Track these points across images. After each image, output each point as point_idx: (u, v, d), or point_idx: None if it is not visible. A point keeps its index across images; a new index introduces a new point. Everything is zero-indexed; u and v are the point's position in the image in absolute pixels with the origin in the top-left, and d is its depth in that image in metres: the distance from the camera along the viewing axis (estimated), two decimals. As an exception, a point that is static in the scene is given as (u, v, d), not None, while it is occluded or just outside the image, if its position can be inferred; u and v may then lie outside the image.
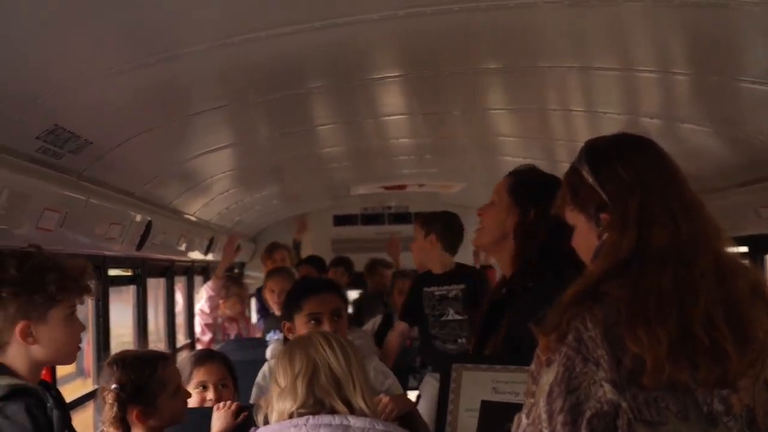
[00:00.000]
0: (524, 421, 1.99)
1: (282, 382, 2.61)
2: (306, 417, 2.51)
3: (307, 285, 3.88)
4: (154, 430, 3.22)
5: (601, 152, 2.15)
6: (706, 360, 1.89)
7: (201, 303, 6.95)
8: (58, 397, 2.79)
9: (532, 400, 1.98)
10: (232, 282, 7.20)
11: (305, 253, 9.20)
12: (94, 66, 2.86)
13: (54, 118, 3.10)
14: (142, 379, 3.21)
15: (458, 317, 5.19)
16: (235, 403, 3.50)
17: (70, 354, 2.85)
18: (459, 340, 5.14)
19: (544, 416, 1.92)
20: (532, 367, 2.01)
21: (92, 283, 2.88)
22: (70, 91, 2.95)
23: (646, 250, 1.98)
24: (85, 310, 5.06)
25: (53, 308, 2.71)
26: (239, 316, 7.16)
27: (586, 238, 2.14)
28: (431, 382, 5.08)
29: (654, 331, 1.88)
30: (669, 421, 1.89)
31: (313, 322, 3.59)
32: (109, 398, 3.17)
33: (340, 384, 2.57)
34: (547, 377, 1.95)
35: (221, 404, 3.51)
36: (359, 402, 2.56)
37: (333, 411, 2.53)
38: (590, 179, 2.10)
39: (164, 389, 3.25)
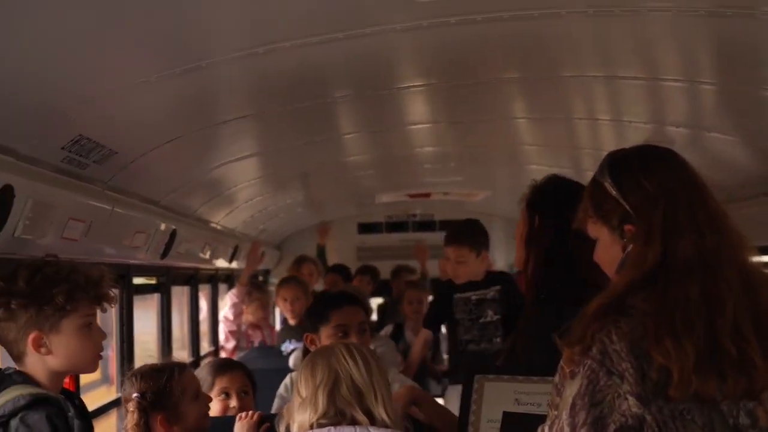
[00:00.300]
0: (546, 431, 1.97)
1: (303, 392, 2.60)
2: (327, 428, 2.50)
3: (335, 297, 3.87)
4: None
5: (624, 164, 2.14)
6: (734, 371, 1.88)
7: (225, 310, 6.97)
8: (81, 407, 2.81)
9: (555, 413, 1.98)
10: (254, 288, 7.22)
11: (330, 260, 9.21)
12: (120, 77, 2.88)
13: (79, 129, 3.12)
14: (160, 385, 3.24)
15: (495, 318, 5.17)
16: (257, 413, 3.50)
17: (89, 363, 2.86)
18: (494, 340, 5.12)
19: (567, 429, 1.91)
20: (556, 379, 2.01)
21: (114, 291, 2.88)
22: (96, 101, 2.97)
23: (672, 262, 1.97)
24: (110, 318, 5.09)
25: (65, 318, 2.74)
26: (262, 322, 7.17)
27: (609, 251, 2.13)
28: (455, 394, 5.06)
29: (681, 342, 1.87)
30: None
31: (341, 334, 3.58)
32: (131, 406, 3.20)
33: (362, 395, 2.56)
34: (571, 390, 1.93)
35: (243, 414, 3.51)
36: (381, 413, 2.55)
37: (354, 422, 2.52)
38: (613, 191, 2.09)
39: (185, 394, 3.28)
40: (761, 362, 1.89)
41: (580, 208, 2.21)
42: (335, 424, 2.52)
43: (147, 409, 3.19)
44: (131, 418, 3.19)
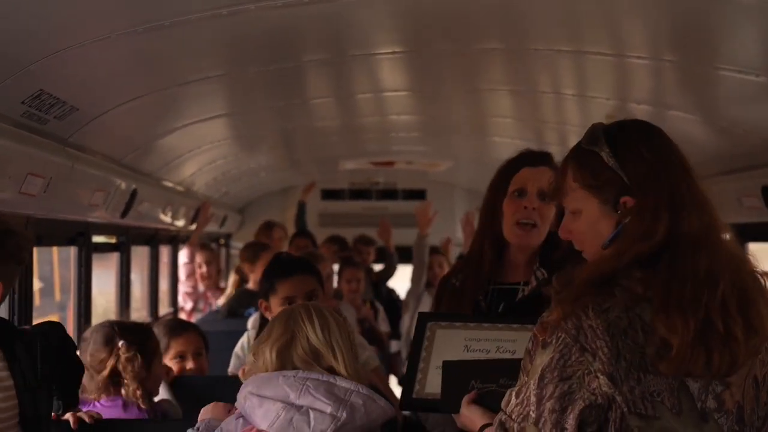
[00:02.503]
0: (513, 399, 1.99)
1: (255, 351, 2.66)
2: (296, 371, 2.56)
3: (282, 267, 3.77)
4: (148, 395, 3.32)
5: (620, 134, 2.07)
6: (719, 347, 1.90)
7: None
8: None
9: (524, 379, 1.98)
10: (202, 248, 7.20)
11: (294, 226, 9.20)
12: (83, 32, 2.84)
13: (40, 84, 3.08)
14: (142, 342, 3.30)
15: None
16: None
17: None
18: None
19: (533, 399, 1.93)
20: (529, 345, 2.00)
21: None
22: (57, 56, 2.93)
23: (678, 237, 1.96)
24: (69, 276, 5.07)
25: None
26: (212, 285, 7.12)
27: (595, 225, 2.07)
28: None
29: (686, 317, 1.88)
30: (663, 416, 1.90)
31: (287, 305, 3.53)
32: (123, 351, 3.22)
33: (319, 355, 2.61)
34: (541, 359, 1.94)
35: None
36: (341, 370, 2.60)
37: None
38: (611, 162, 2.02)
39: (155, 354, 3.37)
40: (743, 337, 1.92)
41: (556, 178, 2.16)
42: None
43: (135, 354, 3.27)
44: (128, 365, 3.22)
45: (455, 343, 2.69)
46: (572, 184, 2.10)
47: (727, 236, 2.04)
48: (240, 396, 2.58)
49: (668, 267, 1.94)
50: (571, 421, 1.89)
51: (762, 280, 2.02)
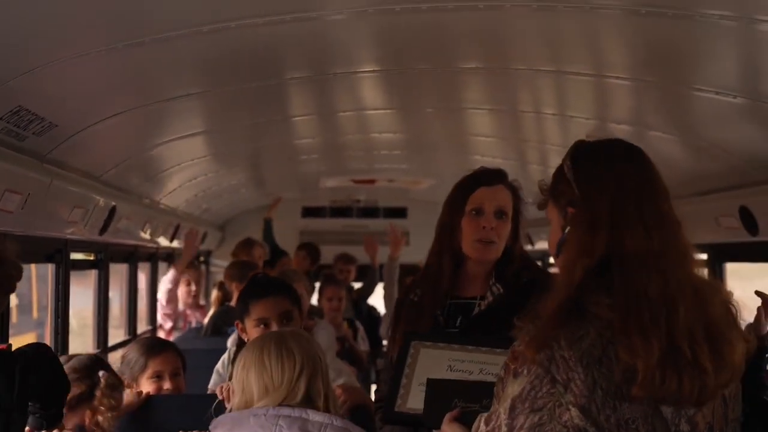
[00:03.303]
0: (483, 427, 1.99)
1: (238, 377, 2.62)
2: (266, 408, 2.51)
3: (255, 288, 3.68)
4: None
5: (585, 151, 2.14)
6: (689, 373, 1.89)
7: (160, 293, 6.91)
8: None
9: (495, 406, 1.98)
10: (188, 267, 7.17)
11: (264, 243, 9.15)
12: (62, 49, 2.83)
13: (18, 100, 3.07)
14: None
15: None
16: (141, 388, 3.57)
17: None
18: None
19: (504, 429, 1.92)
20: (501, 373, 2.00)
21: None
22: (36, 73, 2.92)
23: (622, 255, 1.96)
24: (46, 293, 5.02)
25: None
26: (193, 304, 7.08)
27: (555, 233, 2.14)
28: None
29: (648, 338, 1.88)
30: None
31: (262, 326, 3.48)
32: (103, 381, 3.30)
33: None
34: (512, 388, 1.94)
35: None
36: (324, 392, 2.60)
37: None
38: (569, 174, 2.10)
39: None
40: (711, 368, 1.90)
41: (541, 189, 2.23)
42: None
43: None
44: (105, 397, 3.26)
45: (439, 363, 2.71)
46: (546, 195, 2.19)
47: (692, 264, 2.03)
48: (212, 429, 2.54)
49: (621, 288, 1.94)
50: None
51: (734, 311, 2.02)
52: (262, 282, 3.71)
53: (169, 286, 6.79)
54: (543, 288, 2.98)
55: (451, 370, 2.70)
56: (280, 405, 2.52)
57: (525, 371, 1.92)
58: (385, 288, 7.26)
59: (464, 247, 3.04)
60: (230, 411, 2.67)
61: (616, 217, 2.00)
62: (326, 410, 2.57)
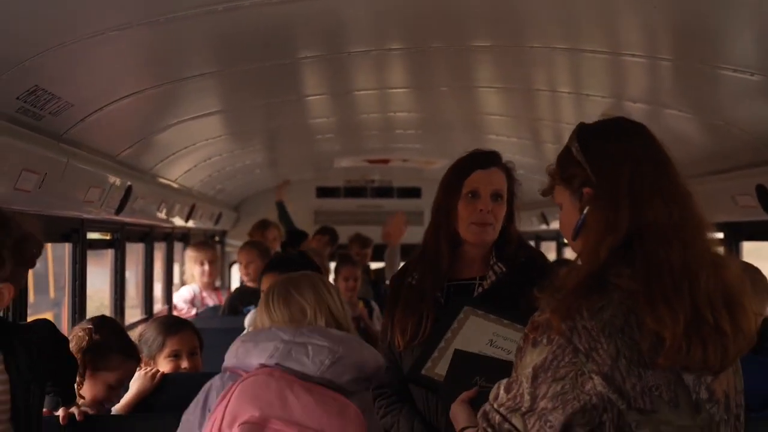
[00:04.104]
0: (502, 393, 2.00)
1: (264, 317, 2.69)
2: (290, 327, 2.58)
3: (272, 265, 3.83)
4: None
5: (593, 131, 2.15)
6: (713, 340, 1.92)
7: (178, 299, 6.93)
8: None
9: (514, 375, 2.00)
10: (203, 246, 7.16)
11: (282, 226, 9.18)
12: (78, 29, 2.84)
13: (35, 80, 3.08)
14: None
15: None
16: (160, 373, 3.57)
17: None
18: None
19: (527, 397, 1.94)
20: (521, 342, 2.02)
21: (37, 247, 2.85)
22: (53, 53, 2.92)
23: (645, 228, 1.98)
24: (63, 273, 5.06)
25: None
26: (209, 285, 7.08)
27: (569, 216, 2.14)
28: None
29: (673, 308, 1.90)
30: (660, 409, 1.92)
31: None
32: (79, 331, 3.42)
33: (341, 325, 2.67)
34: (531, 357, 1.95)
35: (147, 369, 3.61)
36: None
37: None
38: (579, 156, 2.10)
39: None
40: (732, 333, 1.94)
41: (548, 173, 2.22)
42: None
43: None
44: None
45: (482, 335, 2.71)
46: (555, 179, 2.19)
47: (708, 235, 2.05)
48: (231, 350, 2.58)
49: (643, 260, 1.96)
50: (559, 417, 1.90)
51: (747, 281, 2.04)
52: (280, 259, 3.77)
53: (184, 307, 6.81)
54: (541, 267, 3.02)
55: (491, 345, 2.70)
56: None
57: (545, 340, 1.94)
58: (387, 273, 7.31)
59: (461, 230, 3.06)
60: None
61: (635, 191, 2.01)
62: None
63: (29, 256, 2.75)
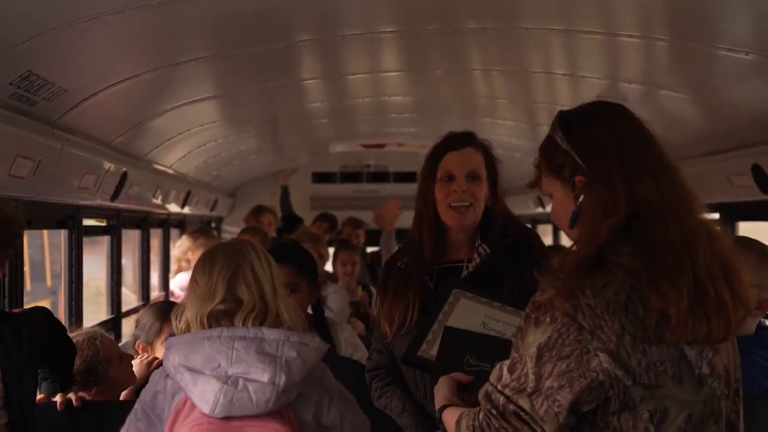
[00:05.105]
0: (506, 374, 1.99)
1: (200, 282, 2.57)
2: (220, 329, 2.47)
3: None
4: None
5: (574, 118, 2.15)
6: (715, 312, 1.94)
7: (175, 286, 6.90)
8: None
9: (516, 355, 1.99)
10: (201, 233, 7.14)
11: (279, 210, 9.18)
12: (71, 13, 2.82)
13: (28, 65, 3.06)
14: (87, 361, 3.34)
15: None
16: (156, 360, 3.56)
17: None
18: None
19: (531, 377, 1.94)
20: (521, 322, 2.02)
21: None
22: (45, 37, 2.91)
23: (637, 207, 1.99)
24: (60, 261, 5.05)
25: None
26: None
27: (563, 205, 2.14)
28: None
29: (677, 284, 1.91)
30: (665, 384, 1.93)
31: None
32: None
33: (261, 284, 2.54)
34: (534, 336, 1.96)
35: (144, 356, 3.60)
36: (279, 305, 2.54)
37: (253, 308, 2.51)
38: (564, 145, 2.10)
39: (110, 362, 3.40)
40: (732, 303, 1.95)
41: (534, 165, 2.22)
42: (233, 310, 2.51)
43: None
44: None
45: (474, 317, 2.70)
46: (542, 170, 2.18)
47: (699, 209, 2.06)
48: (168, 364, 2.49)
49: (641, 239, 1.97)
50: (566, 396, 1.91)
51: (737, 250, 2.05)
52: (273, 250, 3.73)
53: (181, 294, 6.77)
54: (531, 246, 3.01)
55: (484, 327, 2.68)
56: (233, 326, 2.48)
57: (548, 319, 1.94)
58: (383, 257, 7.28)
59: (441, 216, 3.04)
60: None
61: (626, 172, 2.01)
62: (278, 324, 2.52)
63: (10, 237, 2.75)
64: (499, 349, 2.42)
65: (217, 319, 2.52)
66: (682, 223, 1.98)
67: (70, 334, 3.21)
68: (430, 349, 2.69)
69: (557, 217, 2.18)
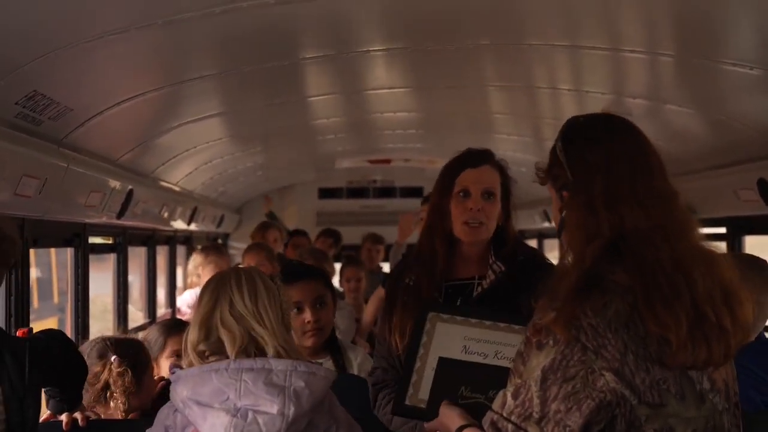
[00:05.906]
0: (510, 401, 1.97)
1: (195, 314, 2.61)
2: (227, 361, 2.46)
3: (289, 272, 3.63)
4: (135, 409, 3.32)
5: (575, 131, 2.14)
6: (716, 337, 1.93)
7: (182, 303, 6.89)
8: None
9: (519, 380, 1.97)
10: (211, 250, 7.13)
11: (289, 224, 9.18)
12: (76, 33, 2.83)
13: (33, 85, 3.08)
14: (133, 357, 3.33)
15: None
16: (158, 377, 3.56)
17: None
18: None
19: (536, 401, 1.92)
20: (521, 347, 2.00)
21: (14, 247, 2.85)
22: (51, 57, 2.92)
23: (624, 233, 1.97)
24: (67, 278, 5.05)
25: None
26: None
27: (554, 211, 2.18)
28: None
29: (674, 310, 1.90)
30: (669, 402, 1.92)
31: (295, 310, 3.46)
32: (115, 365, 3.26)
33: (244, 320, 2.51)
34: (537, 360, 1.94)
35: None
36: (268, 337, 2.51)
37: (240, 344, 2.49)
38: (561, 156, 2.11)
39: (148, 367, 3.40)
40: (732, 328, 1.94)
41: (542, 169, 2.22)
42: (215, 351, 2.50)
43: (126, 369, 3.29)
44: (120, 380, 3.26)
45: (455, 342, 2.62)
46: (546, 174, 2.19)
47: (694, 232, 2.04)
48: (176, 398, 2.47)
49: (633, 261, 1.95)
50: (577, 420, 1.88)
51: (737, 273, 2.03)
52: (297, 266, 3.72)
53: (188, 311, 6.77)
54: (540, 266, 3.00)
55: (466, 352, 2.61)
56: (239, 358, 2.46)
57: (551, 341, 1.93)
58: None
59: (454, 230, 3.04)
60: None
61: (610, 197, 2.00)
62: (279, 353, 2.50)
63: (3, 256, 2.75)
64: (492, 375, 2.39)
65: (204, 355, 2.53)
66: (673, 246, 1.96)
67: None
68: (417, 393, 2.60)
69: (554, 220, 2.21)
